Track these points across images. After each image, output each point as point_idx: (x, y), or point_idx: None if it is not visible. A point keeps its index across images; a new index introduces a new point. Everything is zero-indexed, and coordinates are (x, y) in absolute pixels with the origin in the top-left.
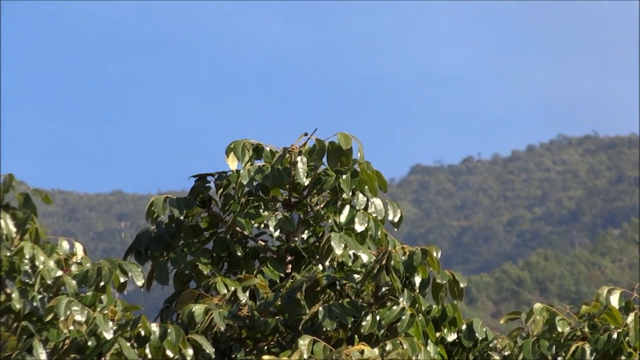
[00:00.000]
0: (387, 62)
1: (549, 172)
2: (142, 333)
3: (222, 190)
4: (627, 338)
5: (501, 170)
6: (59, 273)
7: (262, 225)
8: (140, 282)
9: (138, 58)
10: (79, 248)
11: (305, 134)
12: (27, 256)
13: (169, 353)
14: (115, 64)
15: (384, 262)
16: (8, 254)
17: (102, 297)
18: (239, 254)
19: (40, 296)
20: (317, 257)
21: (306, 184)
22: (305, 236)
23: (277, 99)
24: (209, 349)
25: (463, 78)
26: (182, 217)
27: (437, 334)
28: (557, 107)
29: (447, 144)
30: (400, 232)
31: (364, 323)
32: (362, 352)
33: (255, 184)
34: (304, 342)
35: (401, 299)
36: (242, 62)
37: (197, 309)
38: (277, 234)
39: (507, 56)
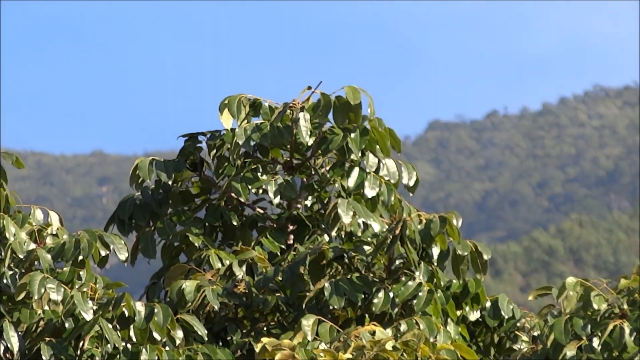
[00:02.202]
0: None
1: (584, 128)
2: (126, 313)
3: (215, 151)
4: None
5: (530, 126)
6: (32, 246)
7: (261, 191)
8: (123, 256)
9: None
10: (54, 217)
11: (309, 88)
12: None
13: (156, 335)
14: (93, 1)
15: (397, 231)
16: None
17: (81, 272)
18: (235, 223)
19: (11, 272)
20: (323, 226)
21: (310, 143)
22: (308, 203)
23: (276, 47)
24: (202, 331)
25: (485, 18)
26: (170, 182)
27: (458, 312)
28: (593, 53)
29: (468, 96)
30: (416, 197)
31: (375, 300)
32: (373, 333)
33: (252, 144)
34: (307, 322)
35: (417, 273)
36: (238, 3)
37: (188, 285)
38: (277, 200)
39: None
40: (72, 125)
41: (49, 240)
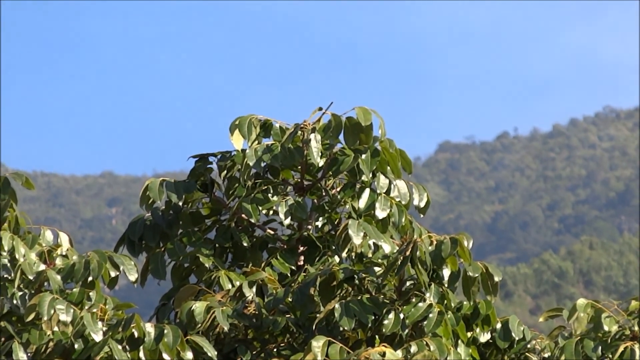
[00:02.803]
0: (407, 19)
1: (595, 149)
2: (136, 334)
3: (225, 172)
4: None
5: (540, 147)
6: (42, 267)
7: (271, 212)
8: (133, 277)
9: (128, 16)
10: (64, 238)
11: (320, 109)
12: (6, 248)
13: (166, 357)
14: (102, 20)
15: (408, 252)
16: None
17: (91, 293)
18: (245, 244)
19: (20, 293)
20: (333, 247)
21: (320, 164)
22: (319, 224)
23: (287, 67)
24: (211, 352)
25: (493, 39)
26: (180, 203)
27: (469, 334)
28: (602, 74)
29: (479, 118)
30: (426, 218)
31: (385, 322)
32: (383, 354)
33: (263, 165)
34: (317, 343)
35: (428, 295)
36: (250, 24)
37: (198, 306)
38: (287, 221)
39: (541, 13)
40: (82, 146)
41: (58, 261)
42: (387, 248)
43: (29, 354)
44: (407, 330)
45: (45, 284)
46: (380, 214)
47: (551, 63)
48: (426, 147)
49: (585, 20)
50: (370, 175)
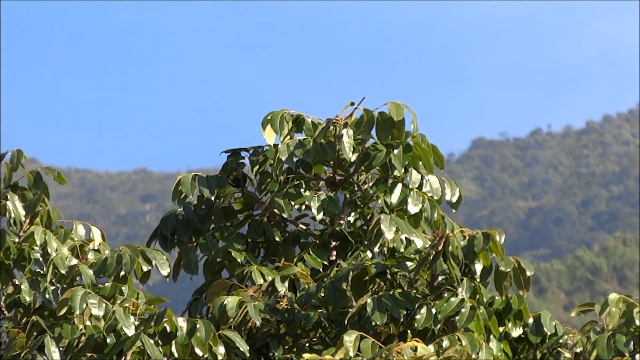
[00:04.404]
0: (439, 13)
1: (628, 146)
2: (168, 329)
3: (258, 167)
4: None
5: (574, 144)
6: (74, 261)
7: (303, 207)
8: (165, 272)
9: (161, 11)
10: (96, 233)
11: (352, 104)
12: (38, 242)
13: (198, 351)
14: (136, 16)
15: (440, 247)
16: (16, 240)
17: (123, 288)
18: (277, 239)
19: (52, 287)
20: (365, 242)
21: (353, 159)
22: (351, 219)
23: (317, 62)
24: (243, 347)
25: (523, 32)
26: (213, 198)
27: (501, 329)
28: (632, 67)
29: (512, 114)
30: (460, 214)
31: (417, 317)
32: (415, 349)
33: (295, 160)
34: (349, 338)
35: (460, 290)
36: (283, 20)
37: (230, 301)
38: (320, 216)
39: (567, 4)
40: (116, 142)
41: (90, 256)
42: (419, 243)
43: (61, 349)
44: (439, 325)
45: (78, 278)
46: (413, 209)
47: (580, 55)
48: (460, 144)
49: (614, 11)
50: (403, 171)
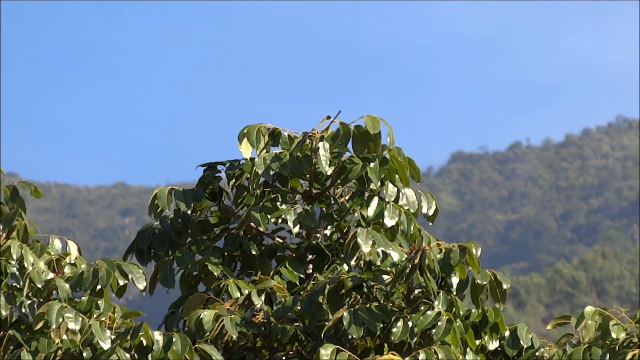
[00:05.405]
0: (416, 27)
1: (607, 159)
2: (144, 342)
3: (234, 180)
4: None
5: (553, 157)
6: (50, 275)
7: (280, 220)
8: (142, 285)
9: (139, 26)
10: (72, 247)
11: (328, 117)
12: (15, 257)
13: None
14: (114, 31)
15: (417, 260)
16: None
17: (99, 302)
18: (254, 252)
19: (29, 302)
20: (342, 255)
21: (329, 173)
22: (328, 232)
23: (293, 76)
24: None
25: (498, 43)
26: (189, 212)
27: (477, 342)
28: (610, 80)
29: (491, 127)
30: (440, 227)
31: (394, 330)
32: None
33: (271, 173)
34: (326, 351)
35: (436, 303)
36: (259, 35)
37: (206, 315)
38: (296, 229)
39: (544, 17)
40: (95, 156)
41: (67, 270)
42: (395, 256)
43: None
44: (415, 338)
45: (54, 292)
46: (389, 222)
47: (557, 68)
48: (439, 157)
49: (588, 25)
50: (379, 184)
